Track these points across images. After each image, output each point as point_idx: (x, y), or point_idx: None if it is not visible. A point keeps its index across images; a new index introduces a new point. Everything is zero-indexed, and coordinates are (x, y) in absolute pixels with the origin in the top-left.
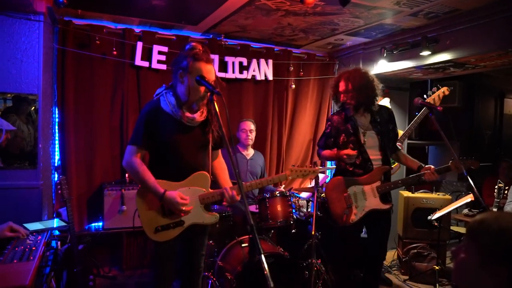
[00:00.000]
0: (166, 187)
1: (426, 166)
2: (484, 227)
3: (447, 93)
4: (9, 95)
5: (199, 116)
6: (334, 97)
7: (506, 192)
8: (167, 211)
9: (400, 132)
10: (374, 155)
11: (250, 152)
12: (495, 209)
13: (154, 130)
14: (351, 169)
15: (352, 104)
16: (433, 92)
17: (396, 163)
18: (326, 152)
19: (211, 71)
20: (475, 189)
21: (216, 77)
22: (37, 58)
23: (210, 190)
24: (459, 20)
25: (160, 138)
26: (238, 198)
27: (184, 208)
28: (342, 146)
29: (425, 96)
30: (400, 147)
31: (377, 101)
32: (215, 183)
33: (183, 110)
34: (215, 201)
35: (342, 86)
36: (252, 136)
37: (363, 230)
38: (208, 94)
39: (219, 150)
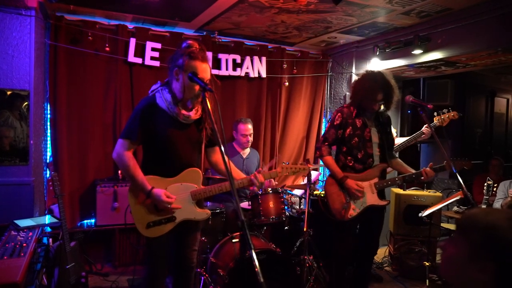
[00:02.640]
0: (158, 183)
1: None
2: (473, 223)
3: (456, 117)
4: None
5: (194, 114)
6: (366, 102)
7: (495, 189)
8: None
9: (394, 130)
10: (375, 152)
11: (246, 151)
12: (484, 206)
13: (149, 126)
14: (351, 164)
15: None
16: (443, 113)
17: None
18: (331, 161)
19: (206, 70)
20: (463, 186)
21: (212, 75)
22: (29, 54)
23: (202, 187)
24: (450, 19)
25: (155, 134)
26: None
27: (169, 206)
28: (348, 138)
29: (435, 114)
30: (396, 156)
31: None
32: (207, 180)
33: (179, 108)
34: (207, 197)
35: (380, 97)
36: (251, 138)
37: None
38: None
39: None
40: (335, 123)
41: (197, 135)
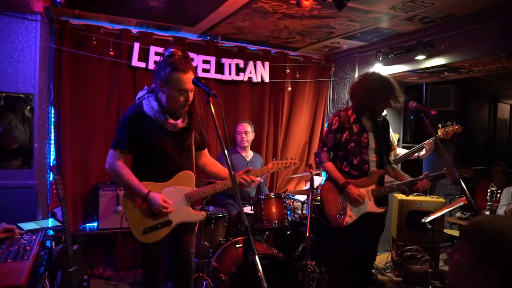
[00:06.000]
0: (152, 188)
1: (420, 177)
2: (478, 230)
3: (459, 130)
4: (4, 94)
5: (181, 123)
6: (374, 102)
7: (498, 195)
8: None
9: (396, 136)
10: (371, 157)
11: (249, 154)
12: (487, 213)
13: (137, 134)
14: (347, 169)
15: (358, 107)
16: (447, 125)
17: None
18: (332, 167)
19: (188, 80)
20: (467, 192)
21: (196, 82)
22: (34, 58)
23: (195, 188)
24: (453, 25)
25: (144, 142)
26: (258, 179)
27: (164, 210)
28: (344, 143)
29: (439, 126)
30: (392, 161)
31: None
32: (199, 183)
33: (166, 117)
34: (202, 198)
35: (389, 95)
36: (248, 137)
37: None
38: (188, 103)
39: (205, 150)
40: (333, 128)
41: (186, 141)
